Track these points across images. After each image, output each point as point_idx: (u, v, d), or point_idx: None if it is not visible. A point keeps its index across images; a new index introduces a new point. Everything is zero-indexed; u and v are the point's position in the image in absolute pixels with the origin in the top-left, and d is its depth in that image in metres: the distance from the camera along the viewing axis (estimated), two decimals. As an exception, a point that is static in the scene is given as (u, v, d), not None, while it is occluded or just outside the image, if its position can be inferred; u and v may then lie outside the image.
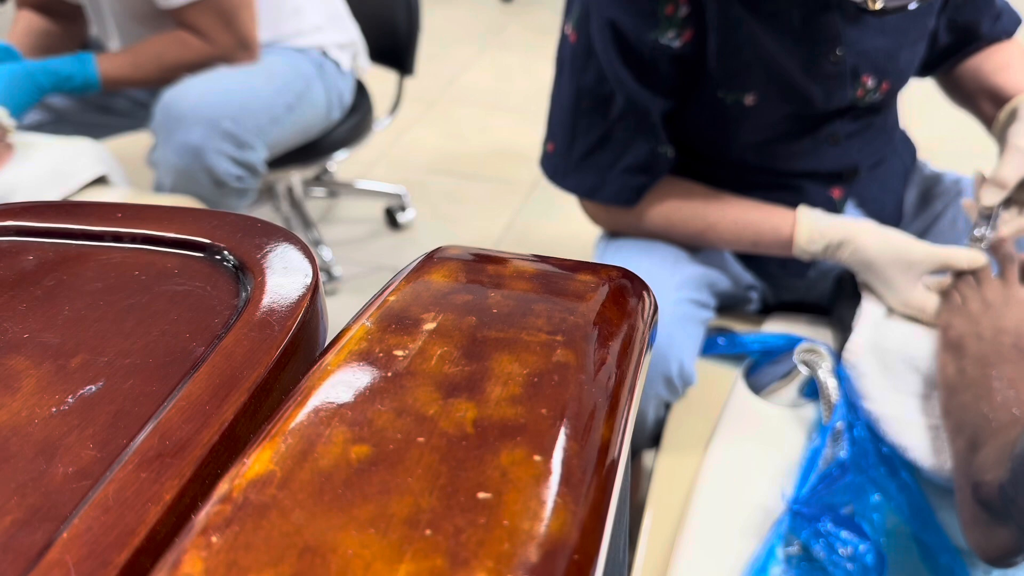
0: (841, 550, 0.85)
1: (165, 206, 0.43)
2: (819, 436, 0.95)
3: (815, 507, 0.87)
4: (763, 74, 0.98)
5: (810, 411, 1.01)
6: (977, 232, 0.99)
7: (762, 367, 1.06)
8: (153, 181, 1.53)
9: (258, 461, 0.27)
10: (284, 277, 0.37)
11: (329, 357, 0.31)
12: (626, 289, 0.40)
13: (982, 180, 1.00)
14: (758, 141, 1.06)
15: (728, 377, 1.07)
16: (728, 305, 1.19)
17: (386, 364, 0.31)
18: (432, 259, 0.39)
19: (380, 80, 2.01)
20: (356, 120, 1.80)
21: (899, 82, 1.06)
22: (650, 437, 1.07)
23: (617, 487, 0.31)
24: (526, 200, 2.39)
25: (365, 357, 0.31)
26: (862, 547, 0.86)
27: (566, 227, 2.26)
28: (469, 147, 2.66)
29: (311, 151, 1.72)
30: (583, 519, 0.26)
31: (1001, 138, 1.05)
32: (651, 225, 1.08)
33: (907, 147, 1.21)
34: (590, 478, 0.28)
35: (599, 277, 0.40)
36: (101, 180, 1.32)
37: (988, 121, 1.12)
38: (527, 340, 0.33)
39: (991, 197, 0.97)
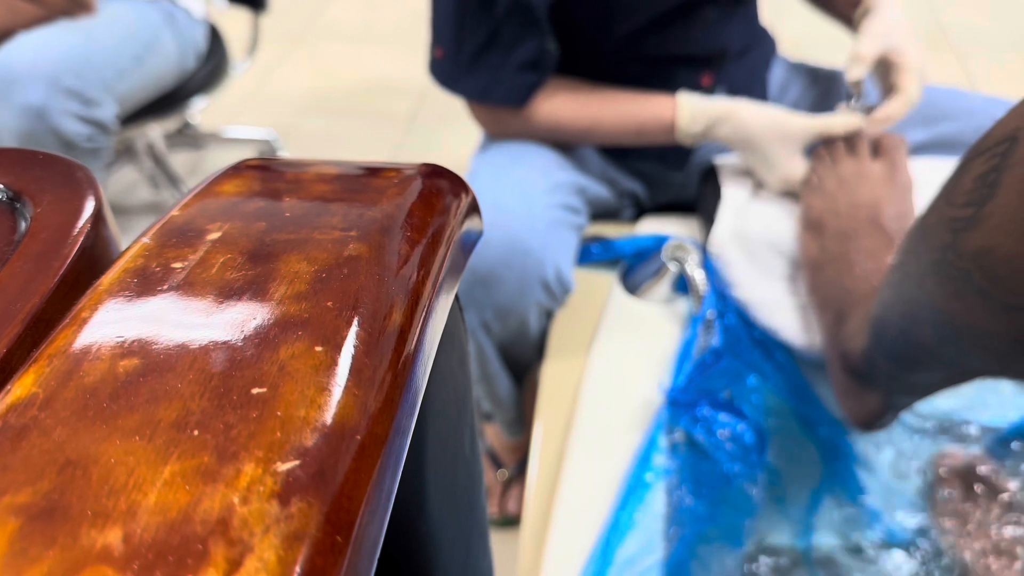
0: (720, 432, 0.88)
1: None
2: (691, 327, 0.97)
3: (692, 394, 0.90)
4: None
5: (683, 306, 1.03)
6: (852, 104, 1.02)
7: (635, 269, 1.08)
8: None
9: (20, 386, 0.26)
10: (64, 205, 0.35)
11: (103, 279, 0.30)
12: (436, 183, 0.39)
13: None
14: (632, 31, 1.07)
15: (606, 283, 1.09)
16: (603, 214, 1.20)
17: (163, 278, 0.29)
18: (228, 172, 0.37)
19: (237, 21, 1.93)
20: (211, 66, 1.72)
21: None
22: (536, 349, 1.08)
23: (419, 377, 0.30)
24: (406, 134, 2.35)
25: (140, 273, 0.30)
26: (740, 427, 0.89)
27: (450, 156, 2.24)
28: (341, 84, 2.58)
29: (166, 102, 1.64)
30: (367, 402, 0.26)
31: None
32: (540, 126, 1.09)
33: (768, 40, 1.24)
34: (381, 364, 0.28)
35: (406, 175, 0.39)
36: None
37: (847, 21, 1.16)
38: (319, 239, 0.32)
39: (855, 72, 1.01)
